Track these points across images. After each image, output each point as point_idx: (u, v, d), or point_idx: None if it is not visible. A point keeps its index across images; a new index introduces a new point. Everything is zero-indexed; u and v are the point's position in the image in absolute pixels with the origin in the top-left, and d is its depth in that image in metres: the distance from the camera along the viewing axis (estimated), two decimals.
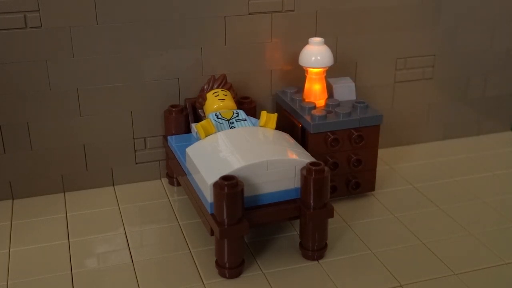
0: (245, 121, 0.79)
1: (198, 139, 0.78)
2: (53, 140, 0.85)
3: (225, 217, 0.66)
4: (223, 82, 0.85)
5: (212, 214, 0.68)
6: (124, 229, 0.79)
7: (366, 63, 0.96)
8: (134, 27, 0.83)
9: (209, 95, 0.83)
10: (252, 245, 0.76)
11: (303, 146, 0.79)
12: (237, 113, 0.80)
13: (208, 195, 0.68)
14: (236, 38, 0.88)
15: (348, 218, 0.82)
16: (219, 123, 0.78)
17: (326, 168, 0.70)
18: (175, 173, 0.86)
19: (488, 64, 1.03)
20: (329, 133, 0.81)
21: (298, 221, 0.74)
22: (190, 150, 0.75)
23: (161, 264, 0.73)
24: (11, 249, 0.75)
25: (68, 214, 0.83)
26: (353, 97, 0.87)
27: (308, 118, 0.81)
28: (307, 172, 0.69)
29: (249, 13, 0.87)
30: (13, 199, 0.86)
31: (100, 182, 0.89)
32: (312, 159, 0.73)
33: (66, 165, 0.87)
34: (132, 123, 0.88)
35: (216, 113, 0.80)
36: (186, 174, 0.77)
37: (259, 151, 0.71)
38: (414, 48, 0.97)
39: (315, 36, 0.90)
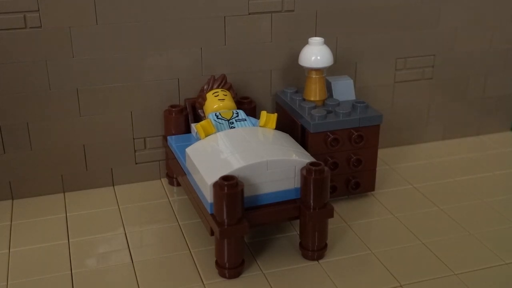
0: (245, 121, 0.79)
1: (198, 139, 0.78)
2: (53, 140, 0.85)
3: (225, 217, 0.66)
4: (223, 82, 0.85)
5: (212, 214, 0.68)
6: (124, 229, 0.79)
7: (366, 63, 0.96)
8: (134, 27, 0.83)
9: (209, 95, 0.83)
10: (252, 245, 0.76)
11: (303, 146, 0.79)
12: (237, 113, 0.80)
13: (208, 195, 0.68)
14: (236, 38, 0.88)
15: (348, 218, 0.82)
16: (219, 123, 0.78)
17: (326, 168, 0.70)
18: (175, 173, 0.86)
19: (488, 64, 1.03)
20: (329, 133, 0.81)
21: (298, 221, 0.74)
22: (190, 150, 0.75)
23: (161, 264, 0.73)
24: (11, 249, 0.75)
25: (68, 214, 0.83)
26: (352, 95, 0.87)
27: (308, 118, 0.81)
28: (307, 172, 0.69)
29: (249, 13, 0.87)
30: (13, 199, 0.86)
31: (100, 182, 0.89)
32: (312, 159, 0.73)
33: (66, 165, 0.87)
34: (132, 123, 0.88)
35: (216, 113, 0.80)
36: (186, 174, 0.77)
37: (259, 151, 0.71)
38: (414, 48, 0.97)
39: (315, 36, 0.90)
